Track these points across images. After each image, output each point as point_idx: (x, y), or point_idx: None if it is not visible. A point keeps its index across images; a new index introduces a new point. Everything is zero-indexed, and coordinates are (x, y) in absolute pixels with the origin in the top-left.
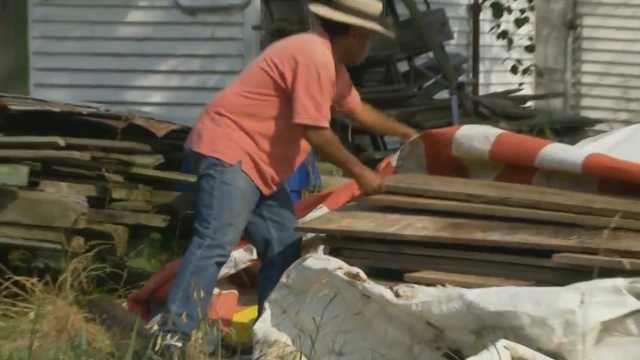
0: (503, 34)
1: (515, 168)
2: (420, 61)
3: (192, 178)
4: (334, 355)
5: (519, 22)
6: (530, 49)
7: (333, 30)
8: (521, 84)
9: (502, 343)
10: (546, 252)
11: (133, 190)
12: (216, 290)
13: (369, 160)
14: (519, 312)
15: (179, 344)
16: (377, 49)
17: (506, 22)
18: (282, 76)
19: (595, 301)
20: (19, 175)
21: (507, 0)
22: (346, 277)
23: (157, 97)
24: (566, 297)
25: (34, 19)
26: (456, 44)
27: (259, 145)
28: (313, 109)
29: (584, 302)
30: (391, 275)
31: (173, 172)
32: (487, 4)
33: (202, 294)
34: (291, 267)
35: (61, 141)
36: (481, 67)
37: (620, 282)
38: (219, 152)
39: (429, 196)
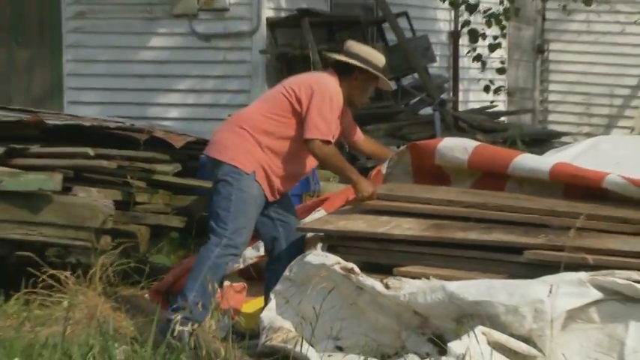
0: (477, 58)
1: (490, 175)
2: (407, 81)
3: (207, 184)
4: (332, 339)
5: (492, 47)
6: (501, 71)
7: (341, 70)
8: (493, 101)
9: (480, 329)
10: (518, 249)
11: (154, 194)
12: (227, 283)
13: (362, 169)
14: (495, 302)
15: (193, 329)
16: None
17: (482, 47)
18: (298, 100)
19: (561, 292)
20: (54, 181)
21: (482, 28)
22: (342, 272)
23: (175, 112)
24: (536, 288)
25: (68, 45)
26: (438, 66)
27: (272, 159)
28: (324, 126)
29: (551, 293)
30: (382, 269)
31: (190, 179)
32: (465, 31)
33: (215, 286)
34: (293, 262)
35: (91, 151)
36: (460, 87)
37: (583, 275)
38: (237, 161)
39: (415, 201)
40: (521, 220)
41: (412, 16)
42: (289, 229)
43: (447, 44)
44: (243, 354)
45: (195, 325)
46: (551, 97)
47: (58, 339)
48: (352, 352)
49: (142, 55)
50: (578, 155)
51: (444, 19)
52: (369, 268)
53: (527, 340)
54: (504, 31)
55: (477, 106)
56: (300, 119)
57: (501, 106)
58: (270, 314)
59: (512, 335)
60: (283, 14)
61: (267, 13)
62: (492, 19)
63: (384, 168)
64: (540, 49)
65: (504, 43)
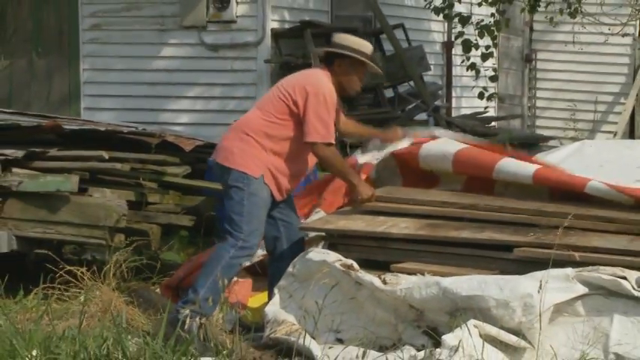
0: (472, 66)
1: (477, 178)
2: (403, 88)
3: (215, 185)
4: (332, 332)
5: (485, 57)
6: (493, 78)
7: (328, 61)
8: (486, 107)
9: (472, 322)
10: (508, 247)
11: (165, 195)
12: (234, 279)
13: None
14: (486, 296)
15: (201, 322)
16: (367, 79)
17: (474, 56)
18: (295, 103)
19: (549, 287)
20: (71, 182)
21: (475, 38)
22: (342, 268)
23: (184, 118)
24: (525, 283)
25: (85, 55)
26: (432, 74)
27: (277, 161)
28: (323, 128)
29: (540, 288)
30: (380, 266)
31: (198, 180)
32: (458, 41)
33: (226, 283)
34: (296, 259)
35: (105, 154)
36: (453, 94)
37: (570, 271)
38: (245, 167)
39: (411, 203)
40: (511, 220)
41: (408, 28)
42: (291, 229)
43: (440, 54)
44: (248, 346)
45: (204, 319)
46: (539, 104)
47: (75, 331)
48: (352, 344)
49: (154, 64)
50: (565, 158)
51: (437, 30)
52: (367, 265)
53: (517, 332)
54: (495, 41)
55: (469, 111)
56: (299, 120)
57: (492, 112)
58: (274, 308)
59: (502, 328)
60: (287, 26)
61: (272, 24)
62: (484, 30)
63: (371, 173)
64: (528, 59)
65: (495, 52)
